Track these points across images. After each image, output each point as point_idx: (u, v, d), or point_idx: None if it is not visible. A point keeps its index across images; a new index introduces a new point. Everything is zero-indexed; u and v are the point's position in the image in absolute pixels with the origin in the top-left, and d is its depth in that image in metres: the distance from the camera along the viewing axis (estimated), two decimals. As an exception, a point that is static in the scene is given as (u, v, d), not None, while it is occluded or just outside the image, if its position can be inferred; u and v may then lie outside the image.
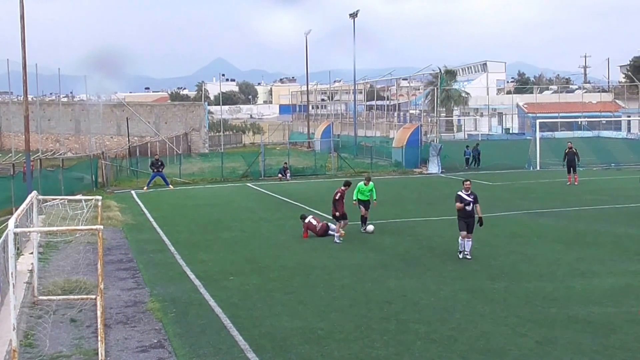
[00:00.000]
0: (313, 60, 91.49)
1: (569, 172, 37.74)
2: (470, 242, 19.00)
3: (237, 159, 49.65)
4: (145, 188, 39.16)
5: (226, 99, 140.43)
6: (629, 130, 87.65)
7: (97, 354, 11.13)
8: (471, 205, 18.87)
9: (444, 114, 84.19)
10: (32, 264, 15.86)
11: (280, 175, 43.98)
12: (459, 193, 19.04)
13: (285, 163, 45.26)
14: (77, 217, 16.66)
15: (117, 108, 71.79)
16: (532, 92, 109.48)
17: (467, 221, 18.87)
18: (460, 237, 19.04)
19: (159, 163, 40.51)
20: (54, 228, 14.47)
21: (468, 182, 19.27)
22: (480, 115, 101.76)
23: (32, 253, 16.37)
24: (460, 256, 18.98)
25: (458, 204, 18.91)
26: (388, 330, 12.90)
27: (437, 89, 58.87)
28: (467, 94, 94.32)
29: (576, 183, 37.07)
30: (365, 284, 16.45)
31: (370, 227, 23.51)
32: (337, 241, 21.83)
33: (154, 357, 11.77)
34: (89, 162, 40.60)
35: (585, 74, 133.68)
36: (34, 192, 17.09)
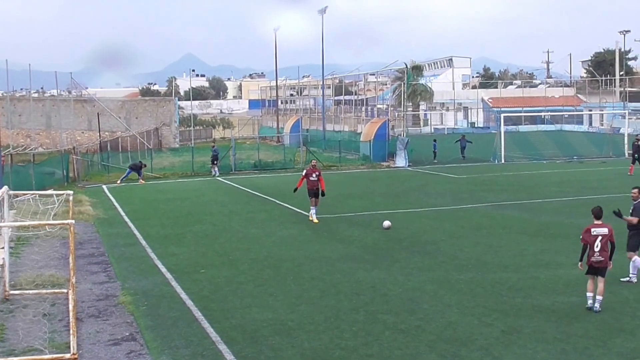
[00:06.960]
0: (282, 56, 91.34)
1: (633, 162, 37.91)
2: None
3: (208, 154, 49.51)
4: (118, 182, 39.42)
5: (196, 94, 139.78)
6: (590, 123, 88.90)
7: (69, 347, 11.17)
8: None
9: (411, 109, 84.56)
10: (3, 258, 15.79)
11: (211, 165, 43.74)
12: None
13: (214, 146, 45.39)
14: (49, 211, 16.65)
15: (88, 103, 71.04)
16: (496, 87, 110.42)
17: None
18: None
19: (141, 165, 41.31)
20: (26, 223, 14.50)
21: (636, 190, 15.53)
22: (446, 110, 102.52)
23: (3, 248, 16.31)
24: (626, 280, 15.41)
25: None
26: (357, 321, 13.10)
27: (404, 84, 59.15)
28: (431, 89, 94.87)
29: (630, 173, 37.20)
30: (335, 276, 16.63)
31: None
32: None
33: (126, 350, 11.84)
34: (60, 157, 40.29)
35: (548, 69, 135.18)
36: (5, 187, 17.04)
